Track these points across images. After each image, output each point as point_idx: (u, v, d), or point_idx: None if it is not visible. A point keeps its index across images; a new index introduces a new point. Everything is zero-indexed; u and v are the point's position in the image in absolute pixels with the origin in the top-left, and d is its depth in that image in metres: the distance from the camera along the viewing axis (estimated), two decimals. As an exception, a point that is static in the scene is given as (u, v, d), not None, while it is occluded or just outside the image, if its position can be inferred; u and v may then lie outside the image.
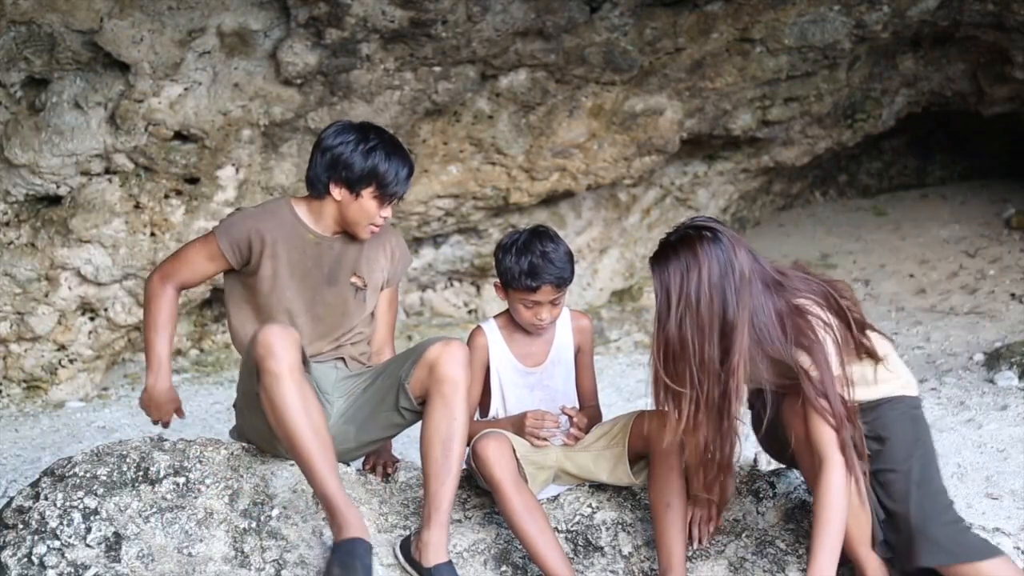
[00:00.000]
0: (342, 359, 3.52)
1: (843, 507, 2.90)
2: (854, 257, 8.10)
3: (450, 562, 3.16)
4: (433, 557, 3.14)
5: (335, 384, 3.48)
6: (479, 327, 3.53)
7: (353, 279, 3.49)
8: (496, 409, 3.48)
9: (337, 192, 3.38)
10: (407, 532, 3.35)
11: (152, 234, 5.89)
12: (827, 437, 2.91)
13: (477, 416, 3.50)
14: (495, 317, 3.55)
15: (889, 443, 3.04)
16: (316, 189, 3.41)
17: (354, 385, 3.48)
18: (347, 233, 3.47)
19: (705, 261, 2.87)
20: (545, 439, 3.36)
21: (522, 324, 3.44)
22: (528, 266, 3.31)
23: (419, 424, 3.33)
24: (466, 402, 3.23)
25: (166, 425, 3.56)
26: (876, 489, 3.03)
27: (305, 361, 3.23)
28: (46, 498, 3.28)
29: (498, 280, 3.42)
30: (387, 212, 3.40)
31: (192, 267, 3.44)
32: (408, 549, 3.21)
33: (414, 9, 5.54)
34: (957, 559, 2.95)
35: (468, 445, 3.30)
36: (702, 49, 6.50)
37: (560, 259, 3.34)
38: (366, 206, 3.37)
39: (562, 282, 3.36)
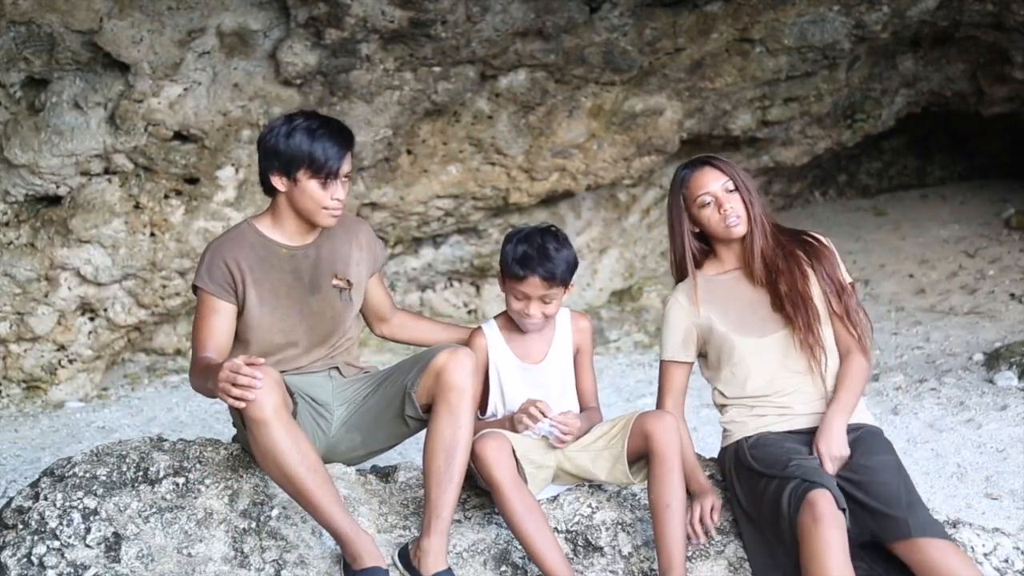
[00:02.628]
0: (336, 368, 3.50)
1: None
2: (854, 257, 8.10)
3: (449, 569, 3.15)
4: (432, 565, 3.13)
5: (333, 393, 3.46)
6: (479, 328, 3.53)
7: (335, 282, 3.45)
8: (495, 406, 3.48)
9: (279, 182, 3.34)
10: (407, 532, 3.35)
11: (152, 234, 5.90)
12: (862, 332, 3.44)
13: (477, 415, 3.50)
14: (496, 317, 3.56)
15: (869, 439, 3.33)
16: (266, 189, 3.40)
17: (354, 392, 3.47)
18: (318, 239, 3.44)
19: None
20: (531, 426, 3.34)
21: (513, 317, 3.44)
22: (521, 255, 3.34)
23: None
24: (472, 410, 3.23)
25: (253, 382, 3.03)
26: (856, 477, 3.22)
27: (291, 393, 3.21)
28: (46, 498, 3.28)
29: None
30: (338, 193, 3.33)
31: (209, 333, 3.31)
32: (407, 556, 3.20)
33: (414, 9, 5.55)
34: (943, 535, 3.07)
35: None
36: (702, 49, 6.50)
37: (556, 256, 3.35)
38: (308, 189, 3.31)
39: (550, 278, 3.35)
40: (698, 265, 3.53)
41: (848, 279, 3.50)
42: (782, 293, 3.41)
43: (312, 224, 3.40)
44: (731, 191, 3.41)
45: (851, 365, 3.41)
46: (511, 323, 3.49)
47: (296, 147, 3.29)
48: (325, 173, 3.30)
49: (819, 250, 3.48)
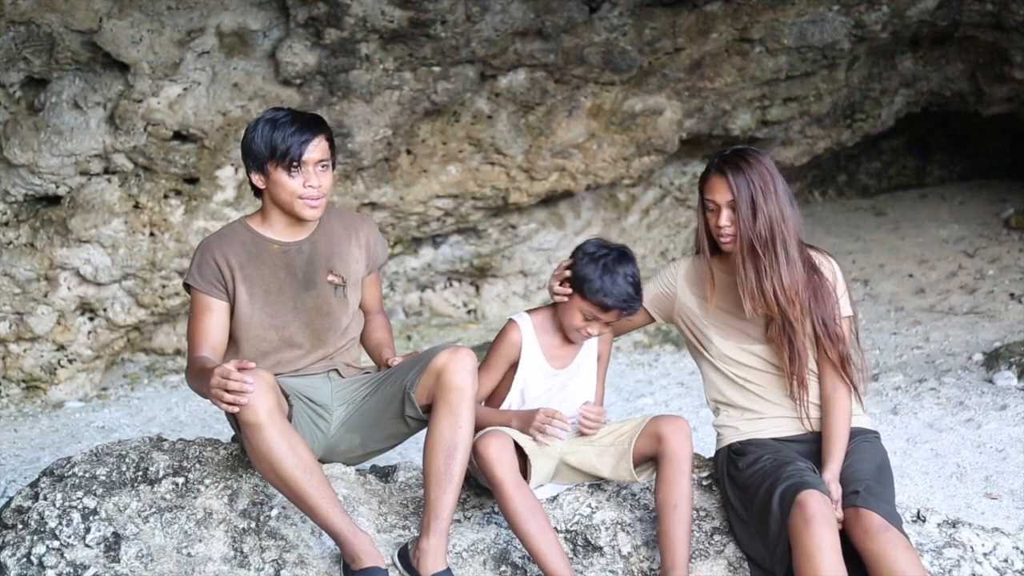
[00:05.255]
0: (335, 370, 3.49)
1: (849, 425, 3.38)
2: (853, 257, 8.10)
3: (448, 569, 3.15)
4: (432, 565, 3.13)
5: (332, 394, 3.45)
6: (513, 320, 3.50)
7: (330, 278, 3.43)
8: (511, 403, 3.47)
9: (257, 180, 3.36)
10: (406, 532, 3.35)
11: (151, 234, 5.90)
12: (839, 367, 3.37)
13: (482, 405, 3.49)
14: (530, 313, 3.53)
15: (862, 446, 3.37)
16: (254, 190, 3.41)
17: (353, 392, 3.46)
18: (313, 235, 3.43)
19: (780, 182, 3.36)
20: (546, 440, 3.36)
21: (567, 328, 3.43)
22: (612, 285, 3.32)
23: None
24: (473, 411, 3.21)
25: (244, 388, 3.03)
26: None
27: (287, 395, 3.21)
28: (45, 498, 3.28)
29: (568, 279, 3.39)
30: (311, 180, 3.31)
31: (204, 331, 3.33)
32: (406, 557, 3.20)
33: (413, 9, 5.55)
34: (895, 522, 3.10)
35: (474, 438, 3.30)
36: (701, 49, 6.50)
37: (637, 289, 3.38)
38: (280, 181, 3.31)
39: (632, 312, 3.40)
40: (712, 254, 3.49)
41: (848, 312, 3.42)
42: (775, 324, 3.37)
43: (297, 218, 3.38)
44: (733, 210, 3.33)
45: (836, 409, 3.36)
46: (546, 323, 3.48)
47: (260, 140, 3.31)
48: (289, 160, 3.29)
49: (819, 288, 3.37)
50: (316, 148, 3.32)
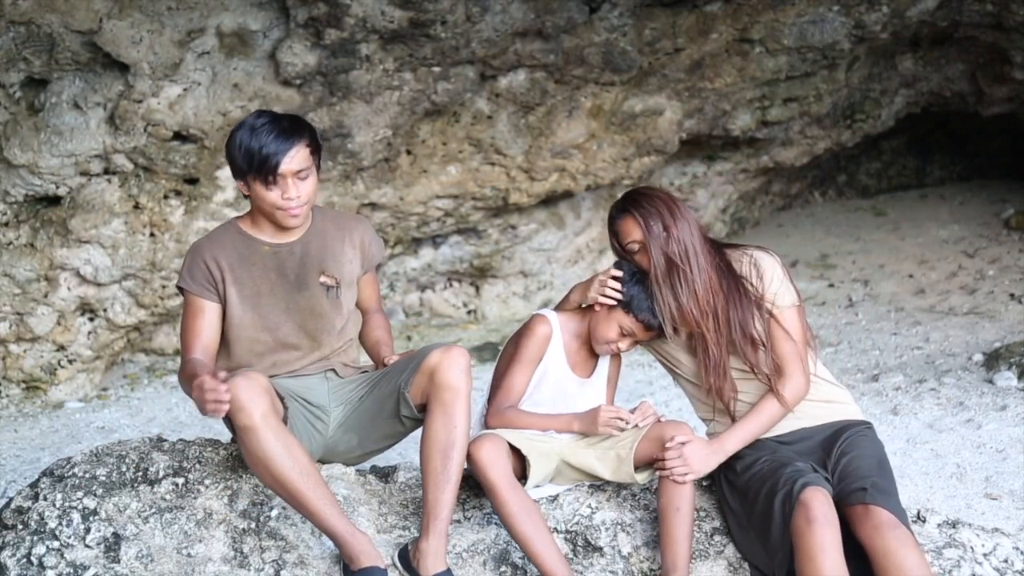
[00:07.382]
0: (333, 370, 3.48)
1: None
2: (853, 257, 8.10)
3: (448, 570, 3.15)
4: (432, 566, 3.13)
5: (329, 395, 3.44)
6: (542, 315, 3.48)
7: (322, 279, 3.41)
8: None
9: (241, 187, 3.33)
10: (406, 532, 3.35)
11: (151, 235, 5.90)
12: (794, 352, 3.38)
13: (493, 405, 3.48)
14: (557, 313, 3.52)
15: (856, 439, 3.36)
16: (245, 195, 3.39)
17: (350, 392, 3.45)
18: (305, 236, 3.41)
19: (680, 204, 3.42)
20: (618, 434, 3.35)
21: (596, 339, 3.43)
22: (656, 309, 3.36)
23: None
24: (467, 409, 3.20)
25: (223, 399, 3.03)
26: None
27: (282, 397, 3.21)
28: (45, 498, 3.28)
29: (617, 296, 3.40)
30: (289, 192, 3.26)
31: (196, 333, 3.33)
32: (406, 557, 3.20)
33: (413, 9, 5.55)
34: (902, 518, 3.11)
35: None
36: (701, 49, 6.50)
37: None
38: (259, 191, 3.27)
39: (663, 335, 3.42)
40: None
41: (790, 301, 3.41)
42: (693, 339, 3.41)
43: (278, 224, 3.35)
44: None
45: (762, 404, 3.38)
46: (570, 326, 3.48)
47: (238, 150, 3.26)
48: (265, 174, 3.23)
49: (735, 294, 3.38)
50: (294, 159, 3.24)
